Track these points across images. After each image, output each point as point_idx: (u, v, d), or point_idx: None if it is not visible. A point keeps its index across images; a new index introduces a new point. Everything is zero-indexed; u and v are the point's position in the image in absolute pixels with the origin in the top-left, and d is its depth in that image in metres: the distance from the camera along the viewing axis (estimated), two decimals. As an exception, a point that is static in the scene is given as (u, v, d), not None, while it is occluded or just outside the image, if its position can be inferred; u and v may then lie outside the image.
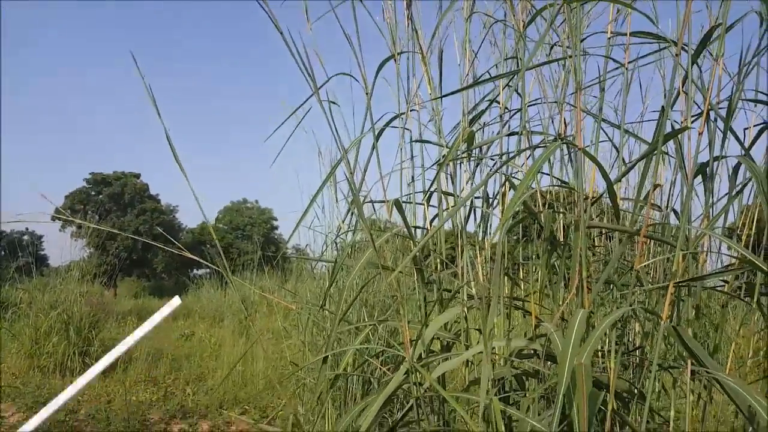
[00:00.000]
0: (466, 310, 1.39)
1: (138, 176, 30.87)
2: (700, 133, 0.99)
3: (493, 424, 0.95)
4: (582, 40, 1.39)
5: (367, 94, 1.18)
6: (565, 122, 1.47)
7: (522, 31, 1.20)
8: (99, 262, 11.14)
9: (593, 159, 1.02)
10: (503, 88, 1.36)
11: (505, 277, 1.60)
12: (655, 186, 1.15)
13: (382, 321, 1.42)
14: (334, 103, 1.37)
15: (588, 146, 1.45)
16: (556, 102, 1.30)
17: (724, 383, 0.95)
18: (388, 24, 1.35)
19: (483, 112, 1.40)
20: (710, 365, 1.00)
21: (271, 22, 1.00)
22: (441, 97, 1.36)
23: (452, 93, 1.28)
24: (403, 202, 1.46)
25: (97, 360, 6.10)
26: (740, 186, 1.08)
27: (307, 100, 1.06)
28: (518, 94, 1.54)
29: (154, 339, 8.39)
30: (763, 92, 1.16)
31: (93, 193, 30.17)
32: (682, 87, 1.13)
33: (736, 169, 1.09)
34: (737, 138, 1.06)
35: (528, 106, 1.36)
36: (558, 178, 1.52)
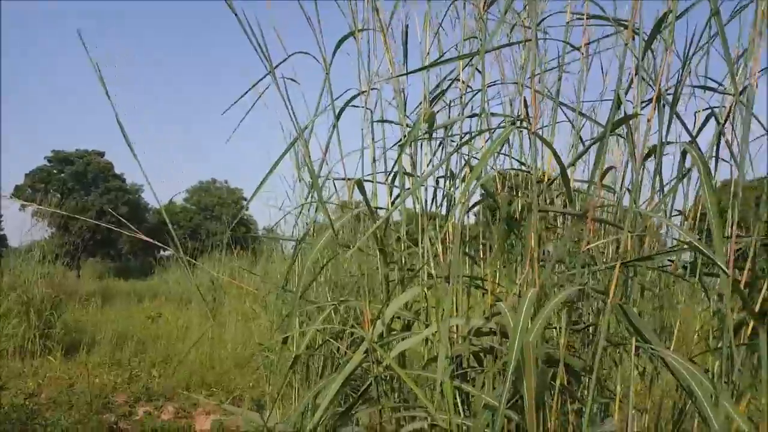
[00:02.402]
0: (426, 289, 1.42)
1: (102, 154, 30.09)
2: (649, 120, 1.03)
3: (447, 401, 0.99)
4: (541, 21, 1.41)
5: (326, 73, 1.18)
6: (526, 104, 1.50)
7: (483, 11, 1.22)
8: (61, 242, 10.87)
9: (545, 142, 1.05)
10: (463, 69, 1.37)
11: (467, 257, 1.63)
12: (607, 170, 1.19)
13: (344, 301, 1.44)
14: (293, 80, 1.37)
15: (543, 128, 1.48)
16: (515, 83, 1.32)
17: (666, 359, 1.00)
18: (349, 2, 1.35)
19: (444, 92, 1.41)
20: (654, 342, 1.05)
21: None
22: (398, 76, 1.37)
23: (410, 72, 1.29)
24: (367, 181, 1.47)
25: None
26: (687, 170, 1.12)
27: (262, 78, 1.06)
28: (479, 71, 1.56)
29: (119, 321, 8.28)
30: (713, 79, 1.20)
31: (55, 171, 29.32)
32: (635, 73, 1.17)
33: (684, 154, 1.13)
34: (684, 124, 1.10)
35: (488, 87, 1.37)
36: (518, 160, 1.55)
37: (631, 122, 1.09)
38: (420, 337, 1.20)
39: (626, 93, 1.26)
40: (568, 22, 1.24)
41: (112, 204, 26.50)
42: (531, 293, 0.93)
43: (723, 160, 1.29)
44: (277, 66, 1.06)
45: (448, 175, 1.56)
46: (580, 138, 1.24)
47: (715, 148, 1.12)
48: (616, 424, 1.15)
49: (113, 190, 28.63)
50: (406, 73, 1.31)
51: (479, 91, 1.41)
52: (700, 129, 1.16)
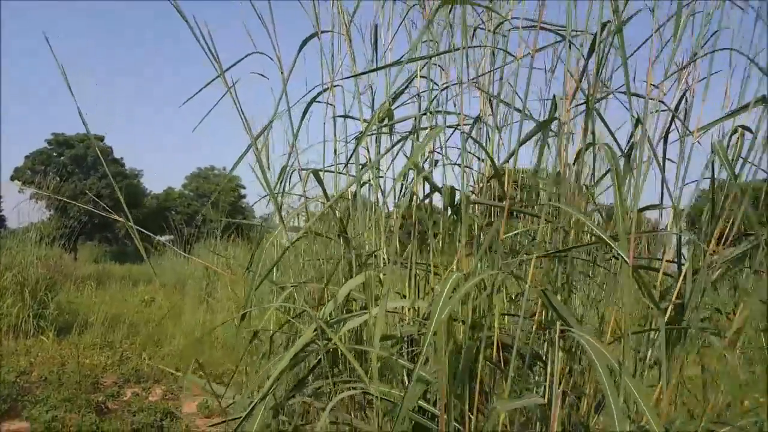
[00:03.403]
0: (380, 273, 1.54)
1: (102, 139, 30.19)
2: (564, 123, 1.14)
3: (372, 370, 1.10)
4: (498, 26, 1.51)
5: (282, 73, 1.29)
6: (483, 103, 1.61)
7: (430, 18, 1.32)
8: (59, 224, 11.01)
9: (476, 141, 1.16)
10: (420, 70, 1.48)
11: (421, 245, 1.75)
12: (537, 167, 1.30)
13: (303, 282, 1.55)
14: (261, 75, 1.48)
15: (497, 127, 1.59)
16: (466, 83, 1.43)
17: (585, 342, 1.11)
18: (313, 4, 1.46)
19: (402, 91, 1.52)
20: (574, 325, 1.17)
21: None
22: (354, 76, 1.48)
23: (366, 72, 1.40)
24: (327, 171, 1.59)
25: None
26: (607, 170, 1.24)
27: (212, 81, 1.16)
28: (440, 68, 1.67)
29: (112, 304, 8.43)
30: (645, 81, 1.31)
31: (54, 154, 29.45)
32: (579, 78, 1.27)
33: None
34: (607, 127, 1.21)
35: (443, 89, 1.49)
36: (475, 155, 1.67)
37: (559, 123, 1.20)
38: (364, 317, 1.31)
39: (573, 98, 1.37)
40: (511, 29, 1.35)
41: (110, 188, 26.63)
42: (453, 277, 1.05)
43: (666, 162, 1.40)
44: (227, 69, 1.17)
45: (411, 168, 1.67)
46: (519, 139, 1.34)
47: (638, 149, 1.22)
48: (544, 400, 1.27)
49: (112, 174, 28.77)
50: (358, 74, 1.42)
51: (445, 87, 1.52)
52: (631, 135, 1.27)
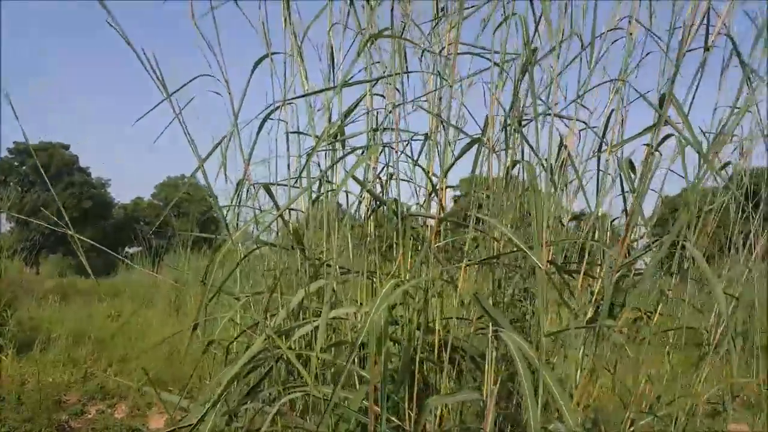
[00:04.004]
0: (333, 282, 1.65)
1: (67, 147, 29.77)
2: (485, 141, 1.28)
3: (310, 371, 1.22)
4: (443, 49, 1.65)
5: (229, 93, 1.40)
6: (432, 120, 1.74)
7: (370, 42, 1.45)
8: (20, 237, 10.84)
9: (410, 158, 1.29)
10: (370, 89, 1.60)
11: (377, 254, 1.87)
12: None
13: (257, 293, 1.66)
14: (217, 93, 1.59)
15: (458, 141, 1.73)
16: (410, 102, 1.56)
17: (507, 339, 1.24)
18: (263, 25, 1.57)
19: (352, 109, 1.64)
20: (504, 325, 1.29)
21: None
22: (306, 96, 1.60)
23: (315, 93, 1.52)
24: (281, 185, 1.70)
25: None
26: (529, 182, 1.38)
27: (158, 104, 1.26)
28: (396, 91, 1.80)
29: (76, 319, 8.35)
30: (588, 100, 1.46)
31: (16, 164, 28.92)
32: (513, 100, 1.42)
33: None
34: (530, 146, 1.35)
35: (393, 108, 1.62)
36: (424, 169, 1.79)
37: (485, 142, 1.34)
38: (313, 324, 1.42)
39: (507, 115, 1.52)
40: (441, 51, 1.48)
41: (75, 199, 26.24)
42: (390, 282, 1.17)
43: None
44: (173, 93, 1.27)
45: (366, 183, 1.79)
46: (453, 154, 1.48)
47: (559, 165, 1.37)
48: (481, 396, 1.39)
49: (77, 184, 28.35)
50: (313, 93, 1.54)
51: (389, 109, 1.65)
52: (559, 150, 1.41)
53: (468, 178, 1.45)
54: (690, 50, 1.28)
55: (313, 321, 1.47)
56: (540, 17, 1.46)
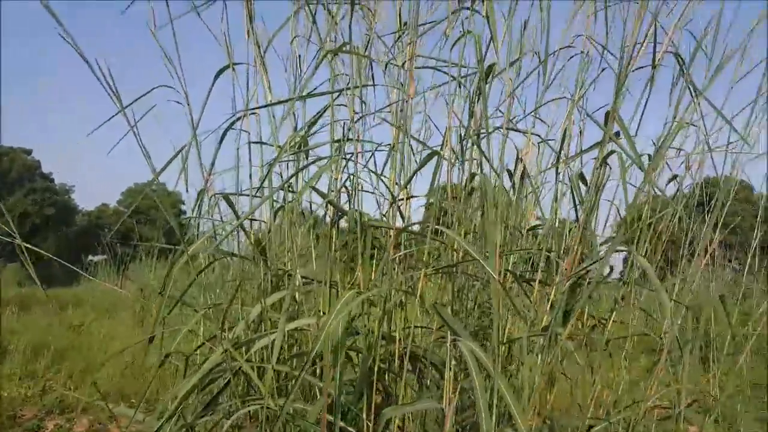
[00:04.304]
0: (295, 293, 1.66)
1: (29, 152, 29.01)
2: (443, 157, 1.31)
3: (265, 383, 1.23)
4: (405, 62, 1.68)
5: (188, 104, 1.41)
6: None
7: (332, 55, 1.47)
8: (-24, 246, 10.51)
9: (372, 171, 1.32)
10: (333, 101, 1.62)
11: (342, 264, 1.88)
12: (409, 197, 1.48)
13: (217, 304, 1.65)
14: (179, 102, 1.59)
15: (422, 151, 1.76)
16: (372, 114, 1.59)
17: (466, 349, 1.27)
18: (225, 35, 1.59)
19: (315, 120, 1.66)
20: (463, 335, 1.32)
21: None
22: (267, 106, 1.61)
23: (272, 104, 1.54)
24: (243, 195, 1.71)
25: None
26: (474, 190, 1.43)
27: (112, 117, 1.26)
28: (362, 102, 1.83)
29: (36, 331, 8.12)
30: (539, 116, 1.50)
31: (-27, 169, 28.06)
32: (470, 113, 1.45)
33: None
34: (486, 158, 1.38)
35: (357, 119, 1.65)
36: (384, 181, 1.82)
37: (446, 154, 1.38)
38: (271, 337, 1.43)
39: (466, 128, 1.56)
40: (403, 64, 1.52)
41: (37, 205, 25.58)
42: (348, 294, 1.18)
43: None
44: (128, 106, 1.27)
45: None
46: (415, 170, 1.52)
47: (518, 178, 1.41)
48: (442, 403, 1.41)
49: (39, 190, 27.63)
50: (276, 103, 1.56)
51: (361, 117, 1.68)
52: (516, 163, 1.46)
53: (435, 189, 1.48)
54: (639, 68, 1.34)
55: (273, 333, 1.48)
56: (505, 32, 1.51)
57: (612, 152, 1.29)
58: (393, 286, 1.29)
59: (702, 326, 1.46)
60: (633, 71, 1.34)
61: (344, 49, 1.41)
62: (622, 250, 1.43)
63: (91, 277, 8.49)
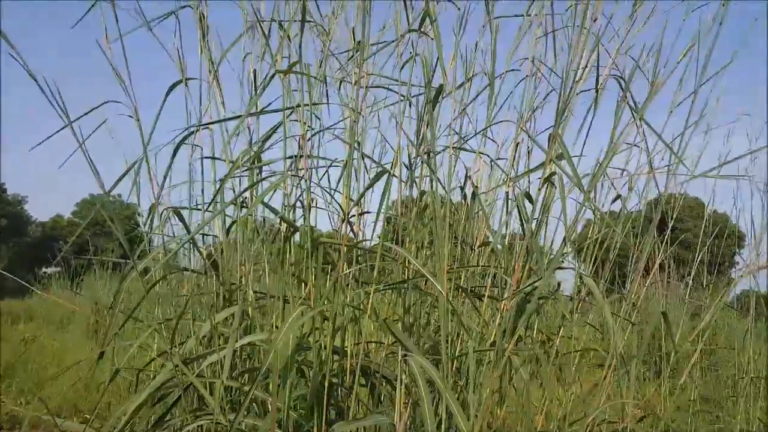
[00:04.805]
0: (248, 308, 1.65)
1: (-21, 159, 27.91)
2: (393, 175, 1.34)
3: (215, 398, 1.21)
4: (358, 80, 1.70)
5: (137, 120, 1.39)
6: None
7: (265, 84, 1.49)
8: None
9: (322, 187, 1.33)
10: (287, 118, 1.62)
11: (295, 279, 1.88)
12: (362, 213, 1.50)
13: (168, 320, 1.63)
14: (131, 116, 1.57)
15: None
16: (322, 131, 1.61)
17: (415, 364, 1.28)
18: (178, 51, 1.57)
19: (269, 136, 1.66)
20: (413, 350, 1.33)
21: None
22: (219, 122, 1.61)
23: (228, 119, 1.54)
24: (196, 210, 1.69)
25: None
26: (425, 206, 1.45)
27: (57, 132, 1.24)
28: (318, 118, 1.84)
29: (-16, 345, 7.78)
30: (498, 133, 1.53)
31: None
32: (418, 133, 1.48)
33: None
34: (437, 178, 1.41)
35: (312, 135, 1.65)
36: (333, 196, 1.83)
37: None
38: (220, 354, 1.41)
39: (418, 148, 1.59)
40: (356, 82, 1.53)
41: (-11, 215, 24.65)
42: (297, 311, 1.18)
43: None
44: (75, 120, 1.25)
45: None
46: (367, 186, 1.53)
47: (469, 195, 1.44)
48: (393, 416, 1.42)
49: (-9, 199, 26.61)
50: (229, 119, 1.56)
51: (317, 132, 1.69)
52: (465, 181, 1.50)
53: (386, 206, 1.49)
54: (583, 91, 1.39)
55: (224, 348, 1.46)
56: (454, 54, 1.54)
57: (553, 174, 1.32)
58: (344, 302, 1.29)
59: (644, 342, 1.51)
60: (577, 94, 1.38)
61: (294, 70, 1.41)
62: (566, 268, 1.47)
63: (41, 293, 8.22)
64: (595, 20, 1.35)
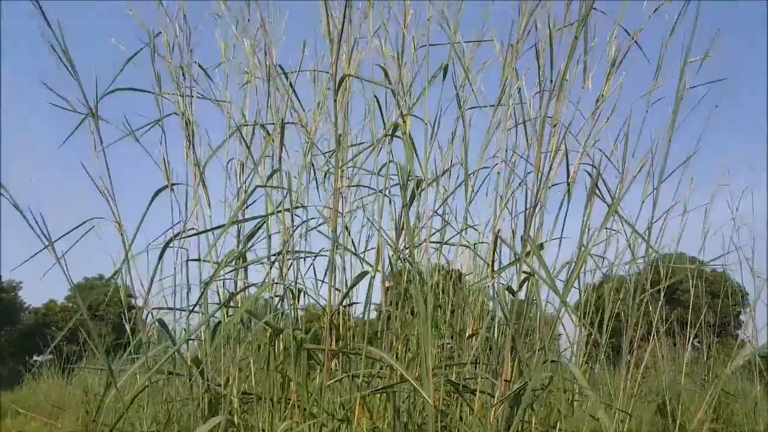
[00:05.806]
0: (234, 416, 1.60)
1: (-26, 247, 27.75)
2: (376, 271, 1.35)
3: None
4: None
5: (121, 234, 1.40)
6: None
7: (244, 199, 1.53)
8: None
9: (308, 294, 1.33)
10: (267, 219, 1.64)
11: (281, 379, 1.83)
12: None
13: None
14: (118, 223, 1.59)
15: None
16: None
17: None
18: (163, 157, 1.61)
19: (254, 233, 1.67)
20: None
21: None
22: (203, 233, 1.63)
23: (211, 230, 1.56)
24: (182, 310, 1.67)
25: None
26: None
27: (37, 254, 1.25)
28: (305, 208, 1.86)
29: (-31, 444, 7.43)
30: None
31: None
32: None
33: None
34: (418, 273, 1.41)
35: (294, 230, 1.66)
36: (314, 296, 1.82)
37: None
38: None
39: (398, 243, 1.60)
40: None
41: (-19, 304, 24.21)
42: (284, 424, 1.15)
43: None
44: (56, 240, 1.27)
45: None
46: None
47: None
48: None
49: (-16, 287, 26.21)
50: (214, 228, 1.58)
51: (290, 233, 1.69)
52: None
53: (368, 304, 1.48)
54: (555, 184, 1.42)
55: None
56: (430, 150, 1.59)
57: (530, 274, 1.33)
58: (328, 411, 1.26)
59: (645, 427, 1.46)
60: (550, 187, 1.41)
61: (272, 180, 1.45)
62: (554, 361, 1.44)
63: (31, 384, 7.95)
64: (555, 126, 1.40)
